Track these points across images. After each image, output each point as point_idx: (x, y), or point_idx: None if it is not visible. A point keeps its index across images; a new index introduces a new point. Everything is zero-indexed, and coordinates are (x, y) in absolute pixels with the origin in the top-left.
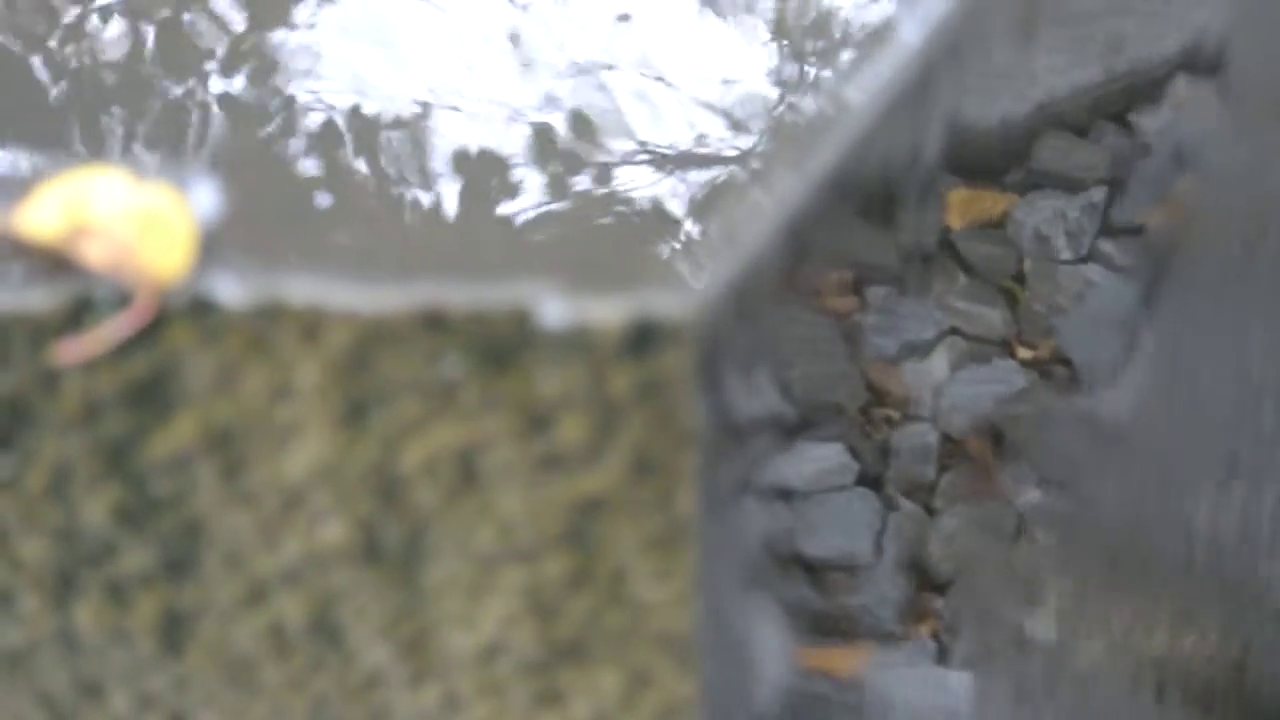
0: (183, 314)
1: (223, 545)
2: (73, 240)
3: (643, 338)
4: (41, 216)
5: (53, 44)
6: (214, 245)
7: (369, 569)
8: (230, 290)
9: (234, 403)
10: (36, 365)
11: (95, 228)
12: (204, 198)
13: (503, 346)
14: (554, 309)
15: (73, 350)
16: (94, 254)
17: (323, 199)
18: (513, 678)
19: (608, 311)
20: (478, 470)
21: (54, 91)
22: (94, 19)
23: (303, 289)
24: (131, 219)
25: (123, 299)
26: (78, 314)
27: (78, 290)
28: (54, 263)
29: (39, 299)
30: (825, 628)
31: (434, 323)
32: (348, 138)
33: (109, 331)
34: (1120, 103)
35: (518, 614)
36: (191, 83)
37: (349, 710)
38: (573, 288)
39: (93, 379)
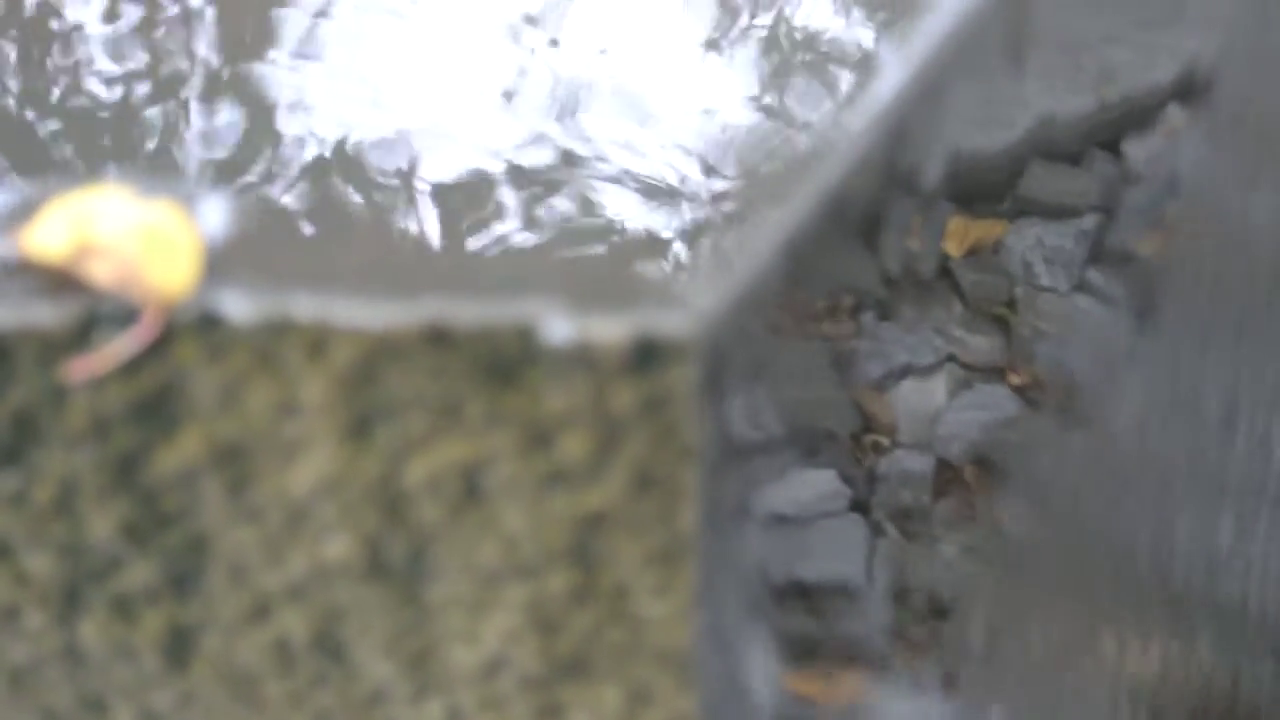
0: (189, 330)
1: (228, 561)
2: (79, 258)
3: (645, 354)
4: (48, 236)
5: (41, 85)
6: (220, 261)
7: (373, 585)
8: (236, 306)
9: (240, 418)
10: (44, 381)
11: (101, 246)
12: (209, 214)
13: (507, 363)
14: (558, 326)
15: (81, 368)
16: (100, 272)
17: (319, 223)
18: (515, 694)
19: (611, 328)
20: (481, 486)
21: (42, 131)
22: (82, 59)
23: (309, 305)
24: (137, 236)
25: (129, 316)
26: (85, 331)
27: (85, 307)
28: (61, 281)
29: (46, 316)
30: (820, 654)
31: (439, 339)
32: (338, 167)
33: (117, 348)
34: (1112, 131)
35: (520, 630)
36: (178, 117)
37: None
38: (576, 305)
39: (100, 394)
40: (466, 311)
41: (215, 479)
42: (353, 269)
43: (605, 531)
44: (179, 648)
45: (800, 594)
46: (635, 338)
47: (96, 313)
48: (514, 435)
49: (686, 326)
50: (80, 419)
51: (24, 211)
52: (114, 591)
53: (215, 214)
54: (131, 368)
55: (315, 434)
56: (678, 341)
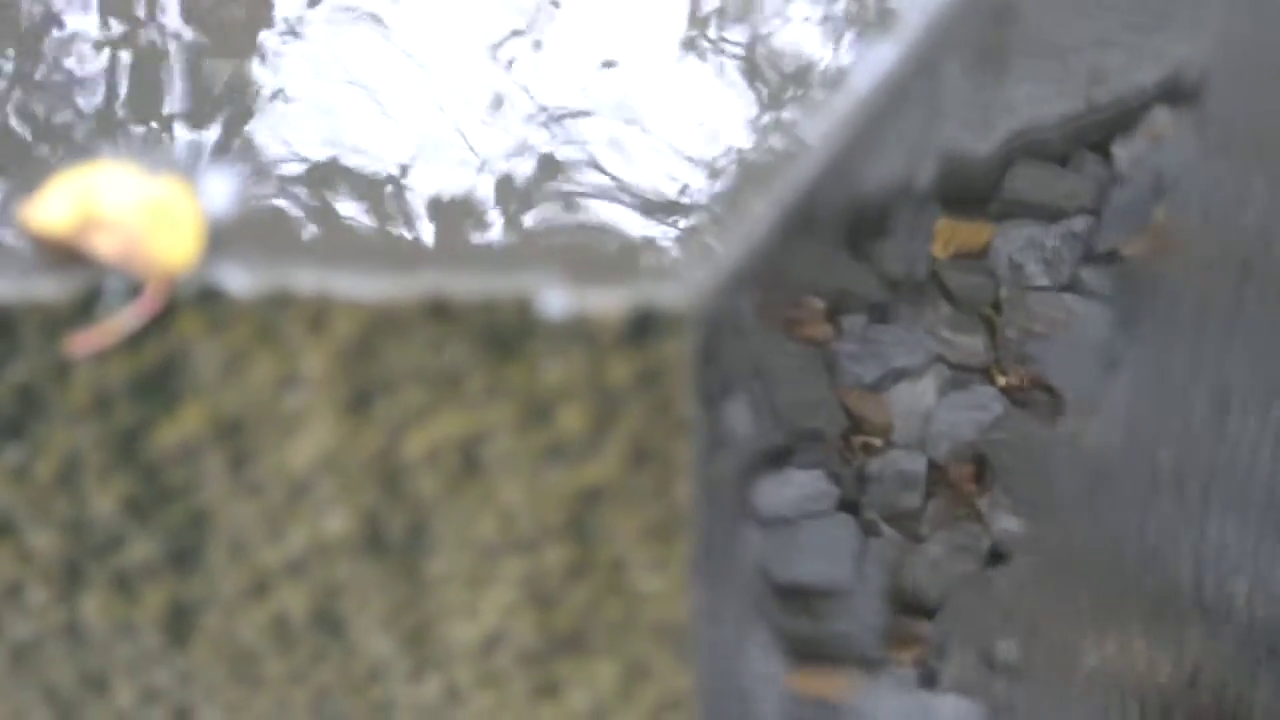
0: (191, 304)
1: (228, 536)
2: (83, 232)
3: (642, 326)
4: (52, 209)
5: (30, 93)
6: (221, 235)
7: (372, 560)
8: (238, 280)
9: (241, 392)
10: (47, 355)
11: (105, 220)
12: (212, 189)
13: (506, 335)
14: (555, 298)
15: (84, 342)
16: (104, 245)
17: (317, 213)
18: (512, 669)
19: (608, 301)
20: (479, 459)
21: (34, 139)
22: (72, 69)
23: (309, 278)
24: (141, 211)
25: (133, 289)
26: (88, 305)
27: (88, 281)
28: (65, 254)
29: (50, 290)
30: (810, 652)
31: (438, 312)
32: (333, 167)
33: (120, 322)
34: (1100, 133)
35: (518, 604)
36: (166, 127)
37: (350, 703)
38: (572, 278)
39: (102, 369)
40: (465, 284)
41: (216, 454)
42: (352, 246)
43: (602, 505)
44: (180, 624)
45: (791, 592)
46: (631, 310)
47: (100, 287)
48: (512, 408)
49: (681, 300)
50: (83, 393)
51: (29, 186)
52: (115, 567)
53: (217, 189)
54: (134, 342)
55: (316, 407)
56: (673, 314)
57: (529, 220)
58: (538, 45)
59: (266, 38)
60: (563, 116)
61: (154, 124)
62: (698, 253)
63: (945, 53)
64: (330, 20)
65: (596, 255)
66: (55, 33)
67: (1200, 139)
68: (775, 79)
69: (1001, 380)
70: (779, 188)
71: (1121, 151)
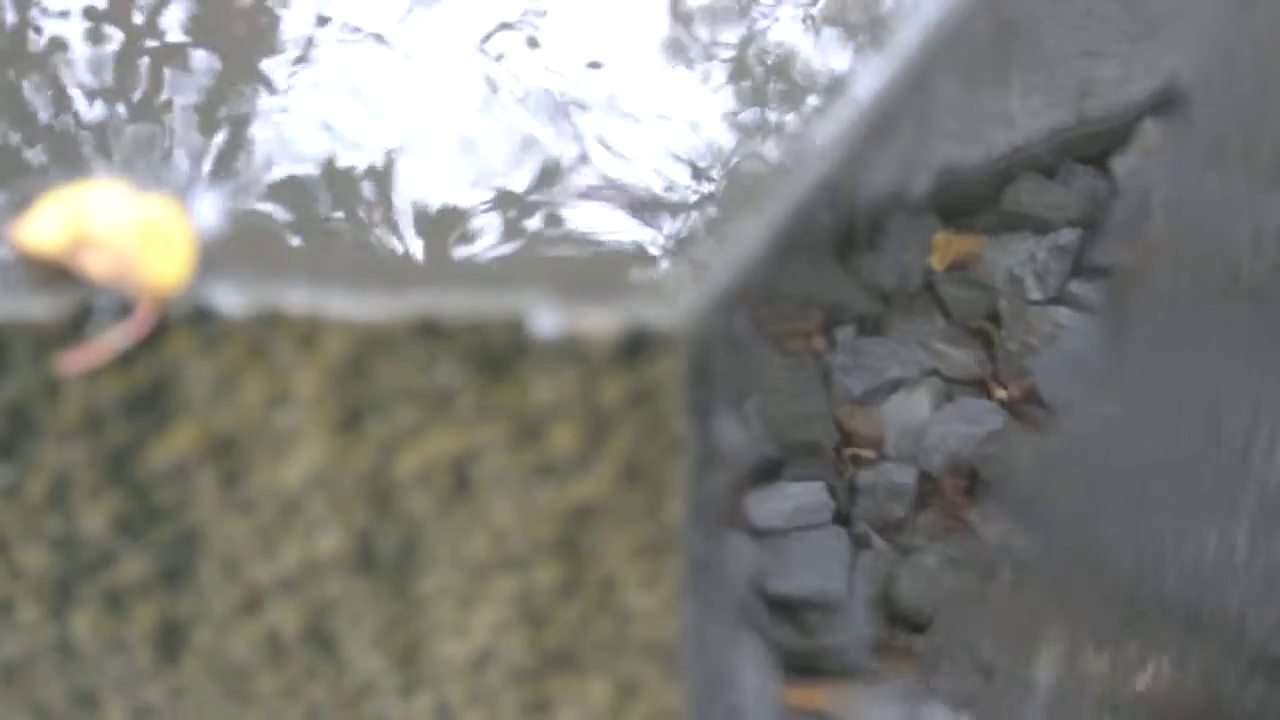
0: (183, 323)
1: (220, 554)
2: (74, 251)
3: (633, 346)
4: (43, 228)
5: (30, 99)
6: (213, 255)
7: (363, 577)
8: (229, 299)
9: (233, 410)
10: (38, 374)
11: (96, 239)
12: (203, 208)
13: (497, 355)
14: (547, 318)
15: (76, 360)
16: (95, 264)
17: (308, 226)
18: (503, 686)
19: (600, 320)
20: (471, 478)
21: (31, 147)
22: (71, 77)
23: (300, 298)
24: (132, 230)
25: (124, 308)
26: (79, 324)
27: (79, 300)
28: (56, 273)
29: (41, 308)
30: (802, 665)
31: (429, 331)
32: (327, 176)
33: (111, 341)
34: (1091, 145)
35: (509, 622)
36: (166, 132)
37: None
38: (564, 298)
39: (94, 387)
40: (457, 304)
41: (208, 472)
42: (343, 264)
43: (593, 524)
44: (171, 641)
45: (783, 605)
46: (623, 329)
47: (91, 305)
48: (504, 427)
49: (673, 319)
50: (74, 412)
51: (20, 205)
52: (106, 585)
53: (208, 208)
54: (125, 360)
55: (307, 426)
56: (664, 333)
57: (521, 239)
58: (530, 58)
59: (263, 56)
60: (556, 131)
61: (145, 143)
62: (690, 270)
63: (941, 66)
64: (330, 44)
65: (588, 274)
66: (49, 47)
67: (1190, 149)
68: (769, 93)
69: (1000, 393)
70: (772, 203)
71: (1112, 164)
